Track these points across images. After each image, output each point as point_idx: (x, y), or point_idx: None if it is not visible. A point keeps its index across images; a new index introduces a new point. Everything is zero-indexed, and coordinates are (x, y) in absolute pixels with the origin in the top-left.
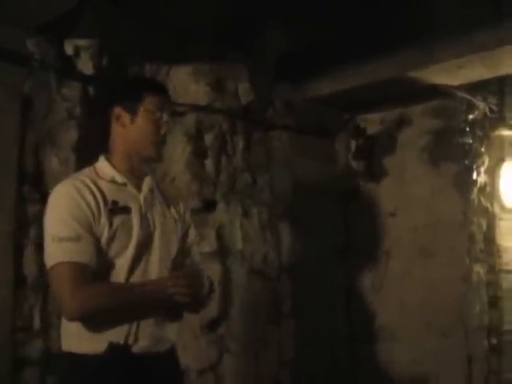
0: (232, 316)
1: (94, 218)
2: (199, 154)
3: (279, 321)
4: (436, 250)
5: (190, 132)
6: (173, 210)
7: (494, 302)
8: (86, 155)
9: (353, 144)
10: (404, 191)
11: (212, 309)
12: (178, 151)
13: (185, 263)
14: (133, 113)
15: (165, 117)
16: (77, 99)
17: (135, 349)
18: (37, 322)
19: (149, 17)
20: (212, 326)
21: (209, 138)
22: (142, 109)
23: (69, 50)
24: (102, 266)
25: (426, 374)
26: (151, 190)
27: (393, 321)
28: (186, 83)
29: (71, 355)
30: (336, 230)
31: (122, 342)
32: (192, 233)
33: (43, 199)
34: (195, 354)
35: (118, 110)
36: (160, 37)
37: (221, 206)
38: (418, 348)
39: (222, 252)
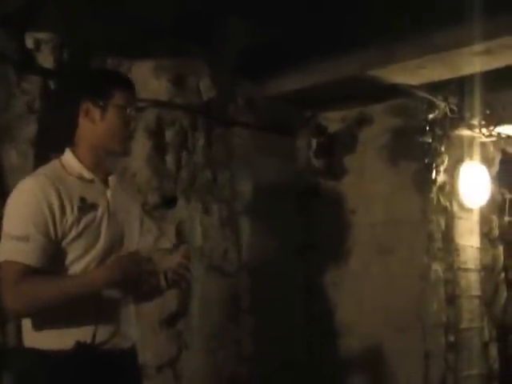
0: (191, 312)
1: (53, 218)
2: (160, 149)
3: (238, 317)
4: (395, 248)
5: (150, 128)
6: (134, 207)
7: (451, 300)
8: (45, 150)
9: (314, 142)
10: (364, 189)
11: (171, 304)
12: (139, 147)
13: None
14: (103, 108)
15: (133, 112)
16: (37, 93)
17: (101, 345)
18: None
19: (110, 11)
20: (171, 321)
21: (169, 134)
22: (112, 105)
23: (29, 43)
24: (61, 265)
25: (384, 371)
26: (117, 187)
27: (352, 317)
28: (148, 79)
29: (34, 351)
30: (296, 228)
31: (88, 339)
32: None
33: (1, 193)
34: (154, 350)
35: (86, 104)
36: (122, 31)
37: (181, 202)
38: (376, 344)
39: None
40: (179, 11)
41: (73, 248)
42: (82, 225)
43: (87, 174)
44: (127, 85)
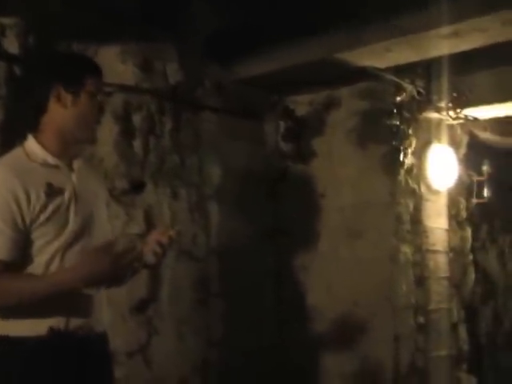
0: (160, 297)
1: (20, 208)
2: (127, 134)
3: (208, 302)
4: (364, 231)
5: (117, 112)
6: (101, 190)
7: (420, 282)
8: (11, 137)
9: (282, 126)
10: (333, 172)
11: (140, 290)
12: (106, 132)
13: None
14: (75, 94)
15: (101, 98)
16: (2, 79)
17: (75, 331)
18: None
19: None
20: (140, 307)
21: (137, 119)
22: (84, 90)
23: None
24: (30, 253)
25: (354, 353)
26: (82, 170)
27: (321, 301)
28: (114, 63)
29: (6, 338)
30: (265, 212)
31: (62, 324)
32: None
33: None
34: (124, 336)
35: (58, 89)
36: (88, 16)
37: (149, 187)
38: (345, 327)
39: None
40: None
41: (41, 234)
42: (49, 210)
43: (51, 160)
44: (97, 71)
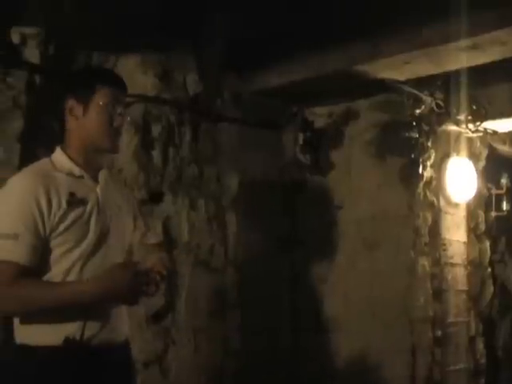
0: (177, 308)
1: (41, 214)
2: (146, 145)
3: (225, 312)
4: (381, 243)
5: (137, 123)
6: (126, 202)
7: (438, 295)
8: (31, 145)
9: (300, 137)
10: (350, 184)
11: (157, 300)
12: (125, 142)
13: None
14: (85, 105)
15: (119, 109)
16: (22, 88)
17: (91, 342)
18: None
19: (96, 5)
20: (158, 317)
21: (156, 130)
22: (94, 101)
23: (15, 38)
24: (48, 261)
25: (371, 365)
26: (107, 182)
27: (338, 312)
28: (134, 74)
29: (24, 347)
30: (283, 223)
31: (78, 335)
32: (139, 225)
33: None
34: (141, 346)
35: (71, 101)
36: (108, 26)
37: (168, 197)
38: (362, 339)
39: (169, 243)
40: (166, 6)
41: (61, 242)
42: (70, 219)
43: (76, 171)
44: (112, 81)
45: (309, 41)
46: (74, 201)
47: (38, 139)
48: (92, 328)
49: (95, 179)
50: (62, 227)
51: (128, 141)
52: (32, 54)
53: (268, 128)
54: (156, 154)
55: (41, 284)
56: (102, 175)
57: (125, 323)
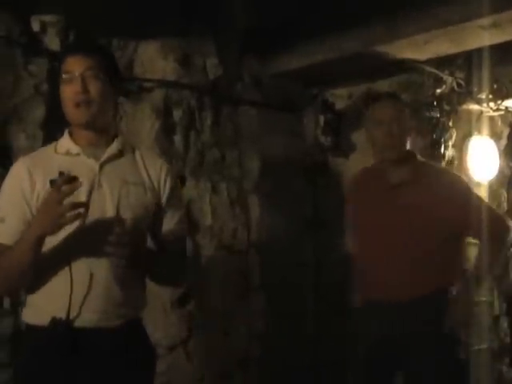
0: (201, 291)
1: (24, 197)
2: (167, 130)
3: (248, 296)
4: None
5: (158, 108)
6: (145, 177)
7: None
8: (53, 132)
9: (321, 119)
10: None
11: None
12: (147, 127)
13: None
14: (60, 78)
15: (89, 75)
16: (44, 75)
17: (78, 323)
18: (7, 301)
19: None
20: (182, 301)
21: (177, 114)
22: (62, 71)
23: (35, 26)
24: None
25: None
26: (111, 158)
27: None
28: (154, 59)
29: (26, 326)
30: (305, 205)
31: (64, 315)
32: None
33: None
34: (165, 330)
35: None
36: (128, 12)
37: (190, 181)
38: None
39: (192, 227)
40: None
41: None
42: None
43: (74, 149)
44: (75, 48)
45: (327, 22)
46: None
47: (61, 126)
48: (81, 308)
49: (95, 156)
50: None
51: (149, 126)
52: (52, 42)
53: (289, 111)
54: (177, 138)
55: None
56: (108, 151)
57: (124, 307)
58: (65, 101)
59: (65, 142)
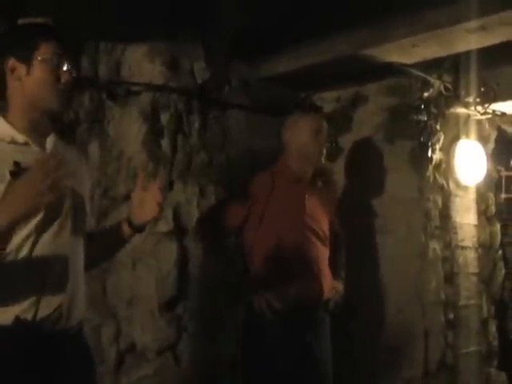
0: (190, 295)
1: None
2: (155, 133)
3: (237, 300)
4: (392, 227)
5: (145, 111)
6: (82, 168)
7: (450, 278)
8: None
9: None
10: (359, 169)
11: (170, 288)
12: (134, 131)
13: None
14: (28, 63)
15: (65, 65)
16: None
17: (42, 321)
18: None
19: None
20: (170, 305)
21: (165, 118)
22: (37, 58)
23: None
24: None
25: (384, 349)
26: (57, 149)
27: (350, 296)
28: (141, 62)
29: None
30: None
31: (30, 316)
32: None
33: None
34: (153, 334)
35: (11, 62)
36: (115, 15)
37: (177, 185)
38: (375, 323)
39: (179, 231)
40: None
41: None
42: None
43: (20, 137)
44: (53, 35)
45: (315, 26)
46: (19, 170)
47: None
48: (46, 309)
49: (42, 145)
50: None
51: (137, 129)
52: None
53: (277, 114)
54: (165, 142)
55: None
56: (51, 141)
57: (80, 307)
58: (40, 87)
59: (5, 129)
